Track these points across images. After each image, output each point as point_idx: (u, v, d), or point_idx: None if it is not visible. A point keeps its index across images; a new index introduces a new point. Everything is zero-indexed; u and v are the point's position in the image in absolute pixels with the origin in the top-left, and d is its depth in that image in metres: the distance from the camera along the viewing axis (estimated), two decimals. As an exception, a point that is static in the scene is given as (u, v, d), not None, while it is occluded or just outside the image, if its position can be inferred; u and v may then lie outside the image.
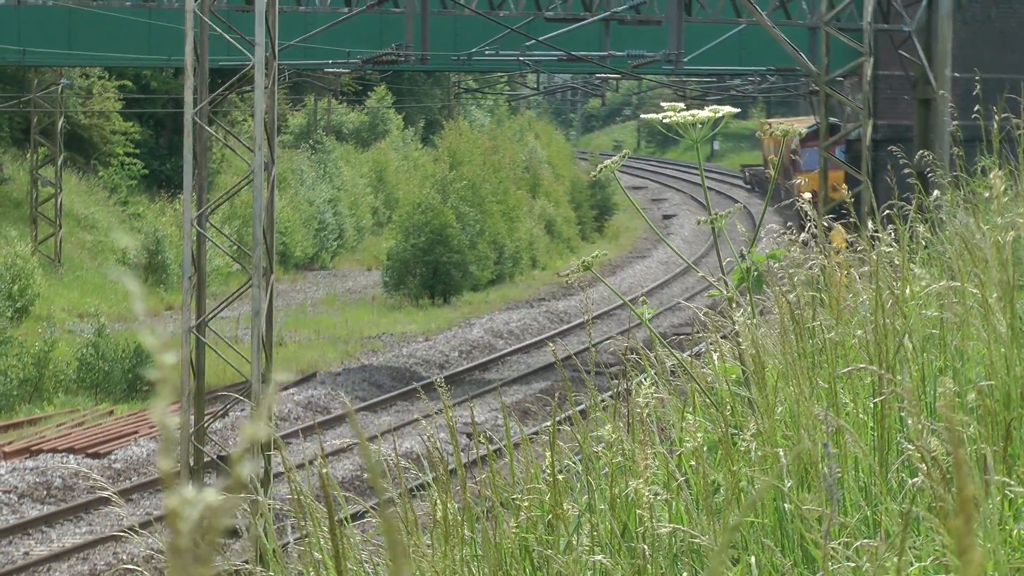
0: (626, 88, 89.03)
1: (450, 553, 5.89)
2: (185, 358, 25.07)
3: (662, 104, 6.86)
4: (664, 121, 6.68)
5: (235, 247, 37.50)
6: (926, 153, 10.62)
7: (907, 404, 5.48)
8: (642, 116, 7.54)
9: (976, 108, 10.35)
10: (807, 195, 12.39)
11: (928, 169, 10.14)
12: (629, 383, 6.87)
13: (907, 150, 13.16)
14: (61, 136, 58.62)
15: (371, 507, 6.28)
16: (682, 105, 6.94)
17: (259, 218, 24.72)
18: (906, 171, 10.56)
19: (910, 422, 5.24)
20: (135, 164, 69.24)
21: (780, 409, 6.15)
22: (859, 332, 6.81)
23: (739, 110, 7.69)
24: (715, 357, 6.96)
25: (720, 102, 42.73)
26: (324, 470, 5.98)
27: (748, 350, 6.28)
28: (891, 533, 5.06)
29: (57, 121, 58.65)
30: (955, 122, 14.18)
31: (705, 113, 6.72)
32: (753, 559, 5.34)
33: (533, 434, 6.68)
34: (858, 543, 4.79)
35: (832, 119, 42.09)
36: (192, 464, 24.82)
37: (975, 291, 6.73)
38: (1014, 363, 6.27)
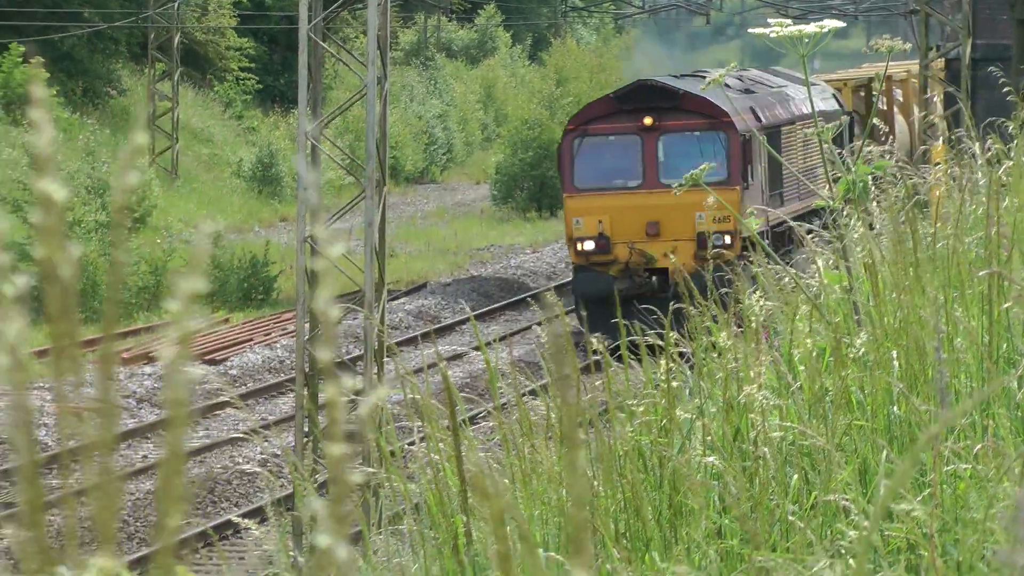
0: (729, 7, 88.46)
1: (565, 455, 5.95)
2: (300, 268, 25.24)
3: (769, 21, 6.89)
4: (772, 36, 6.70)
5: (348, 160, 37.62)
6: (1024, 70, 10.61)
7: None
8: (750, 31, 7.57)
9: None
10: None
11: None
12: (739, 293, 6.89)
13: (1005, 69, 13.01)
14: (178, 52, 58.87)
15: (489, 409, 6.35)
16: (789, 21, 6.96)
17: (372, 132, 24.81)
18: (1005, 89, 10.52)
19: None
20: (250, 79, 69.50)
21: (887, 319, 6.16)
22: (968, 240, 6.83)
23: (844, 24, 7.72)
24: (820, 266, 6.98)
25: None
26: (446, 371, 6.07)
27: (864, 258, 6.30)
28: (1000, 436, 5.07)
29: (174, 37, 58.84)
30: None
31: (811, 28, 6.75)
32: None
33: (648, 344, 6.71)
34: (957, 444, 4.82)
35: None
36: (307, 369, 25.02)
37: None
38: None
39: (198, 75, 67.43)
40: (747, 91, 34.47)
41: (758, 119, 31.75)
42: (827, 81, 43.15)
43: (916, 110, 40.43)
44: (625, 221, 29.51)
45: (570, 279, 33.16)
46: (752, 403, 5.50)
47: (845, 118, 8.75)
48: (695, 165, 24.43)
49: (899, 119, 42.70)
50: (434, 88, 78.67)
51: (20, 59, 56.14)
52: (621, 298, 25.54)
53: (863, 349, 5.83)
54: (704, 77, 31.15)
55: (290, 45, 55.59)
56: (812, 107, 8.33)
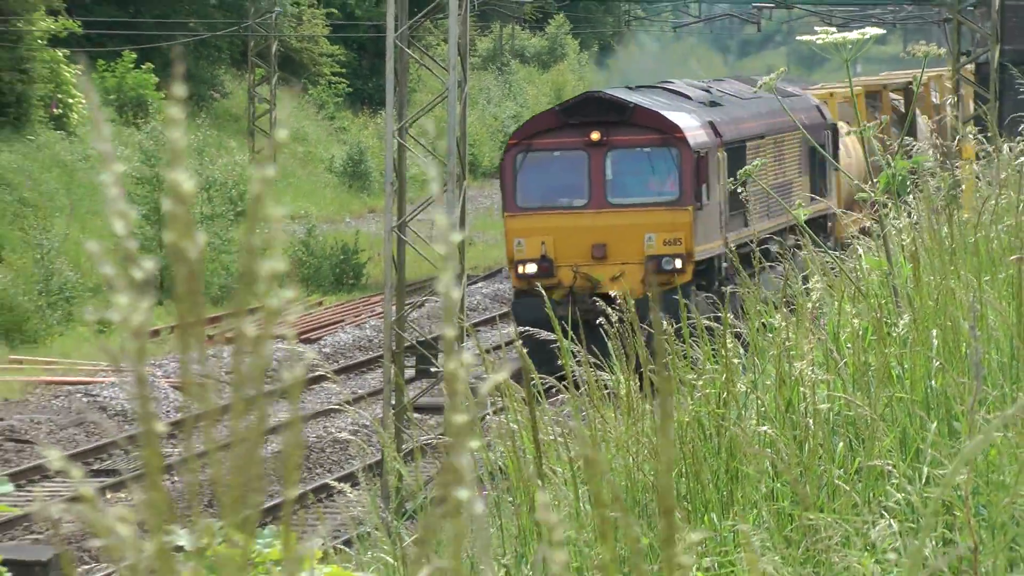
0: (778, 17, 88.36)
1: (632, 426, 6.01)
2: (388, 255, 25.26)
3: (816, 28, 6.93)
4: (818, 42, 6.71)
5: (431, 157, 37.83)
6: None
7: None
8: (798, 38, 7.62)
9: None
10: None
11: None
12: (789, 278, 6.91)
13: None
14: (275, 58, 59.35)
15: (560, 384, 6.39)
16: (834, 28, 7.00)
17: (453, 130, 24.66)
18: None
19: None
20: (341, 83, 70.08)
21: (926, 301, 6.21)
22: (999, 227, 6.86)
23: (884, 31, 7.75)
24: (861, 252, 7.02)
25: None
26: (521, 348, 6.12)
27: (908, 246, 6.32)
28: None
29: (272, 45, 59.33)
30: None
31: (854, 35, 6.76)
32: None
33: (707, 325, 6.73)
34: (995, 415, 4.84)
35: None
36: (394, 348, 25.08)
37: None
38: None
39: (294, 79, 67.90)
40: (713, 104, 30.07)
41: (718, 134, 27.52)
42: (867, 85, 41.42)
43: (947, 110, 39.37)
44: (569, 243, 25.47)
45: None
46: (802, 377, 5.54)
47: (885, 118, 8.63)
48: (645, 184, 24.07)
49: (921, 121, 41.28)
50: (508, 91, 79.04)
51: (132, 65, 56.70)
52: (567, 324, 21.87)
53: (904, 329, 5.84)
54: (668, 89, 30.52)
55: (378, 52, 55.82)
56: (855, 106, 8.33)
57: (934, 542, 4.63)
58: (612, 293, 22.90)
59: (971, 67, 38.51)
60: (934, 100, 43.18)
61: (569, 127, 26.27)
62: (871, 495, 5.15)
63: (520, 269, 25.98)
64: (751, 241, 7.52)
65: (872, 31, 6.87)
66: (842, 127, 34.34)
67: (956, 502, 4.42)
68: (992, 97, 33.52)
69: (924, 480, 4.92)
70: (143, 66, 56.76)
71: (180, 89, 1.54)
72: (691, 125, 26.26)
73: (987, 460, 4.80)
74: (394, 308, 24.72)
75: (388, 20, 25.39)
